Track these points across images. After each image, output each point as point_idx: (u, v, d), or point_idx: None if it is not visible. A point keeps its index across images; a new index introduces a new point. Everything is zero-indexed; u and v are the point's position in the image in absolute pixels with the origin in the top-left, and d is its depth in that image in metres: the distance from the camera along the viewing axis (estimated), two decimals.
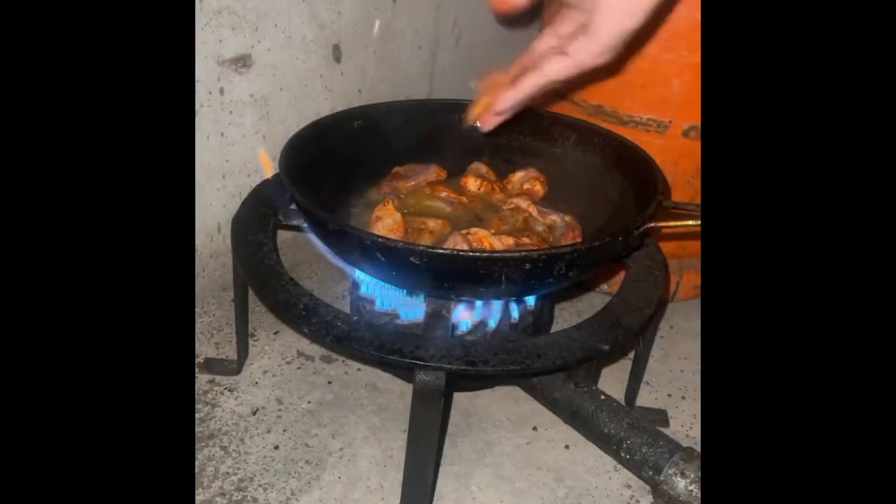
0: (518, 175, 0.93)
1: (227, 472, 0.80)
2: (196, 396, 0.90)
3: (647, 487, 0.73)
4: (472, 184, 0.91)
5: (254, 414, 0.89)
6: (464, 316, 0.81)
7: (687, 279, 1.17)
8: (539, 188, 0.91)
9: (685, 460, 0.69)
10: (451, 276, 0.67)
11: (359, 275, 0.84)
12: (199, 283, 1.08)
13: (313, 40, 1.05)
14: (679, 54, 0.97)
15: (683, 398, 0.99)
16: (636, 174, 0.82)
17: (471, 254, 0.65)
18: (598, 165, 0.89)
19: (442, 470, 0.83)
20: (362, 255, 0.69)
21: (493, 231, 0.80)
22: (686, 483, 0.67)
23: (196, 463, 0.80)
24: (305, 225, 0.77)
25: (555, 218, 0.84)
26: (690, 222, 0.72)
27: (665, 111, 1.01)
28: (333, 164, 0.88)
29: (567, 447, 0.89)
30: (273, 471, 0.81)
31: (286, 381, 0.95)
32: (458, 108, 0.96)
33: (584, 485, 0.84)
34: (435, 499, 0.80)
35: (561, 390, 0.78)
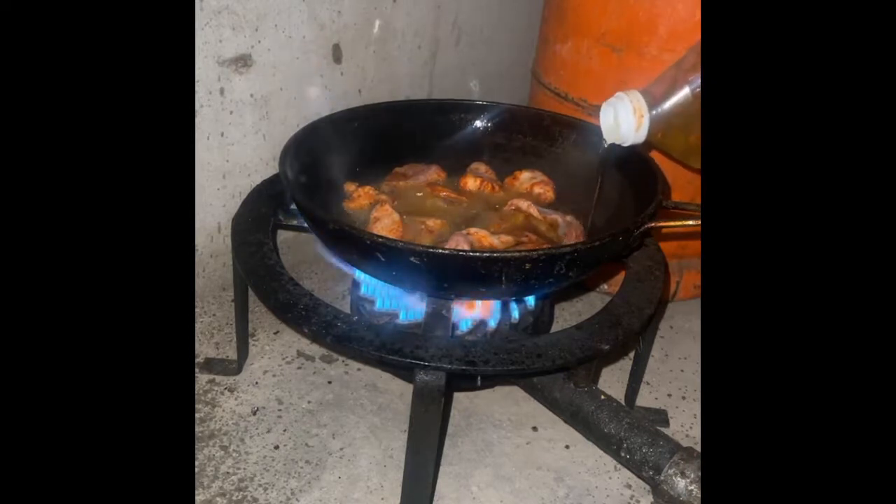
0: (525, 175, 0.92)
1: (227, 472, 0.80)
2: (196, 396, 0.90)
3: (647, 487, 0.73)
4: (472, 184, 0.91)
5: (254, 414, 0.89)
6: (464, 316, 0.81)
7: (687, 279, 1.17)
8: (550, 194, 0.90)
9: (685, 460, 0.69)
10: (452, 275, 0.67)
11: (359, 275, 0.84)
12: (199, 283, 1.08)
13: (313, 40, 1.05)
14: (679, 54, 0.97)
15: (683, 398, 0.99)
16: (636, 174, 0.82)
17: (471, 254, 0.65)
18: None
19: (442, 470, 0.83)
20: (362, 255, 0.69)
21: (493, 231, 0.80)
22: (686, 483, 0.67)
23: (196, 463, 0.80)
24: (305, 225, 0.77)
25: (556, 217, 0.84)
26: (690, 222, 0.72)
27: None
28: (333, 164, 0.88)
29: (567, 447, 0.89)
30: (273, 471, 0.81)
31: (286, 381, 0.95)
32: (458, 108, 0.97)
33: (584, 485, 0.84)
34: (435, 499, 0.80)
35: (561, 390, 0.78)
